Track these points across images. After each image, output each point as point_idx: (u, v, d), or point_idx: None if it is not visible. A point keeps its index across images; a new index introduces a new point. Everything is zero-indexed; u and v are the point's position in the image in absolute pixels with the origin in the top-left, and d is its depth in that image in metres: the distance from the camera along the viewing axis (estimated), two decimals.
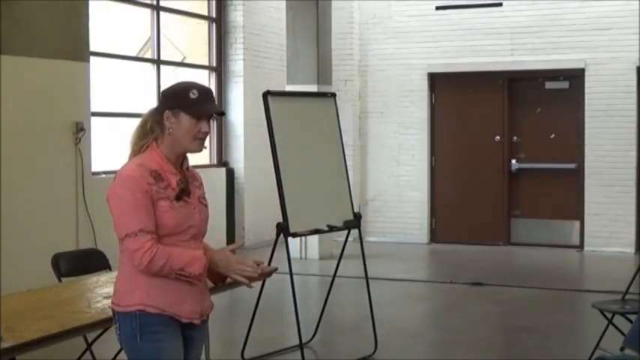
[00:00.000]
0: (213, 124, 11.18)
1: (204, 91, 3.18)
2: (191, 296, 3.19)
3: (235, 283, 3.27)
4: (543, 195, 11.40)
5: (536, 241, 11.36)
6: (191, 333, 3.25)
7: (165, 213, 3.10)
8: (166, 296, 3.12)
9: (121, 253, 3.16)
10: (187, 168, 3.27)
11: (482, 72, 11.50)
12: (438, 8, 11.54)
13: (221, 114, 3.35)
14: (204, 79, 11.11)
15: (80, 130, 8.08)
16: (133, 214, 3.05)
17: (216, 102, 3.34)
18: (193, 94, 3.14)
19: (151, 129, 3.17)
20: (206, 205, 3.31)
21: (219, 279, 3.26)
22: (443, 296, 8.56)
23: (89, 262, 5.35)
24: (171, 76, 10.06)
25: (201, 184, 3.34)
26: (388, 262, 10.35)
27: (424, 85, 11.83)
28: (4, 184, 7.22)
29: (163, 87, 3.31)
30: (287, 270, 5.87)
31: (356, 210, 6.59)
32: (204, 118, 3.17)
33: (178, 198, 3.14)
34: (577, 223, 11.22)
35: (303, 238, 9.50)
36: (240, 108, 11.28)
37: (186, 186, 3.20)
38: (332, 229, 6.25)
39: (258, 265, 3.18)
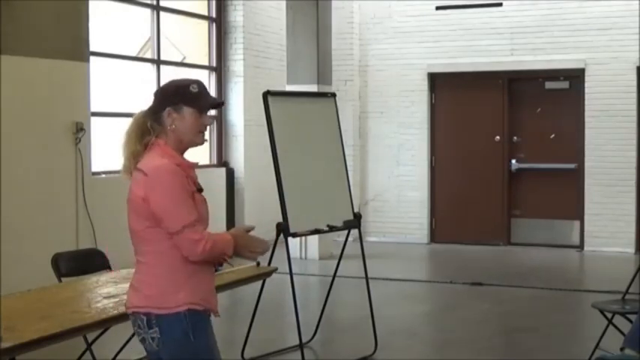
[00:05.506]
0: (213, 124, 11.18)
1: (202, 84, 3.23)
2: (214, 289, 3.23)
3: (235, 283, 3.27)
4: (543, 195, 11.40)
5: (536, 241, 11.35)
6: None
7: (199, 205, 3.11)
8: (204, 292, 3.13)
9: (150, 254, 3.08)
10: None
11: (482, 72, 11.50)
12: (438, 8, 11.53)
13: (221, 104, 3.39)
14: (205, 79, 11.10)
15: (80, 130, 8.08)
16: (184, 205, 3.03)
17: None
18: (194, 88, 3.18)
19: (151, 127, 3.16)
20: None
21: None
22: (443, 296, 8.55)
23: (89, 262, 5.35)
24: (172, 76, 10.04)
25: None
26: (388, 262, 10.35)
27: (424, 85, 11.83)
28: (4, 185, 7.22)
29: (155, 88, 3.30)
30: (287, 270, 5.88)
31: (356, 210, 6.59)
32: (207, 111, 3.22)
33: (200, 190, 3.17)
34: (577, 223, 11.22)
35: (303, 238, 9.50)
36: (240, 108, 11.28)
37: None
38: (332, 229, 6.25)
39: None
